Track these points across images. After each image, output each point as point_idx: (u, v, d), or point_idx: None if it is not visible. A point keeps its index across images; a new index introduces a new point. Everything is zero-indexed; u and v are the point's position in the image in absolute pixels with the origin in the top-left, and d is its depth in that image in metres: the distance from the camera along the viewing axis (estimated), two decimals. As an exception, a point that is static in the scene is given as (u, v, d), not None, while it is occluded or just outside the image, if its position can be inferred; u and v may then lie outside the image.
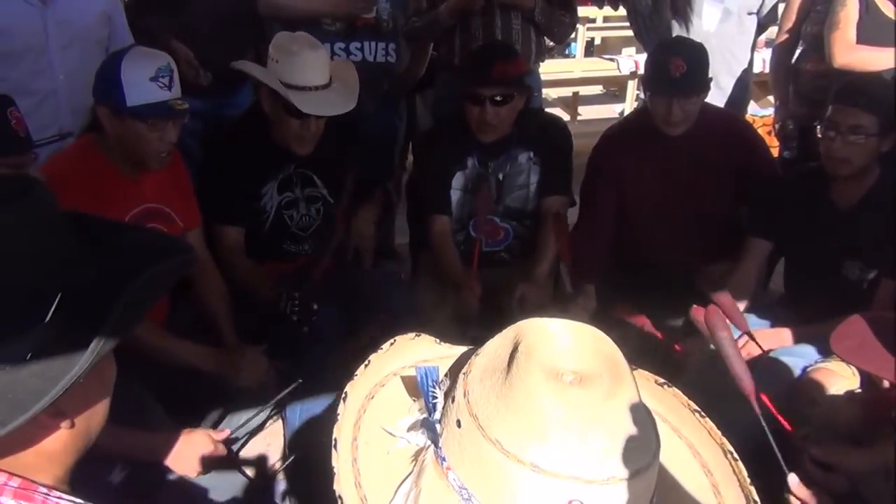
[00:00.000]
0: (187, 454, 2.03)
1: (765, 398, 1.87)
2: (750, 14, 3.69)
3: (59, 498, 0.94)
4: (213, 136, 2.93)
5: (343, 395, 1.00)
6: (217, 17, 3.13)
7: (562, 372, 0.86)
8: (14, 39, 2.58)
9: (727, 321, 2.04)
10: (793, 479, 1.64)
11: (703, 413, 1.04)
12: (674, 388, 1.08)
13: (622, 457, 0.83)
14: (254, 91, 3.16)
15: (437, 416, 0.94)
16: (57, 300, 0.88)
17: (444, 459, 0.90)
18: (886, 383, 1.08)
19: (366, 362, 1.06)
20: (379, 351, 1.08)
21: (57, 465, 0.98)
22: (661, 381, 1.09)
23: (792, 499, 1.68)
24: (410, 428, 0.98)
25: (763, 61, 4.90)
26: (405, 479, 0.93)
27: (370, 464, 0.97)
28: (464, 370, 0.93)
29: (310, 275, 2.80)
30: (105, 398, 1.04)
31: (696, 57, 2.76)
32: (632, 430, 0.85)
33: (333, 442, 0.96)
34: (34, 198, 0.93)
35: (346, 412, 1.00)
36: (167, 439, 2.02)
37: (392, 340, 1.10)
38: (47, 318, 0.88)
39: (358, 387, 1.04)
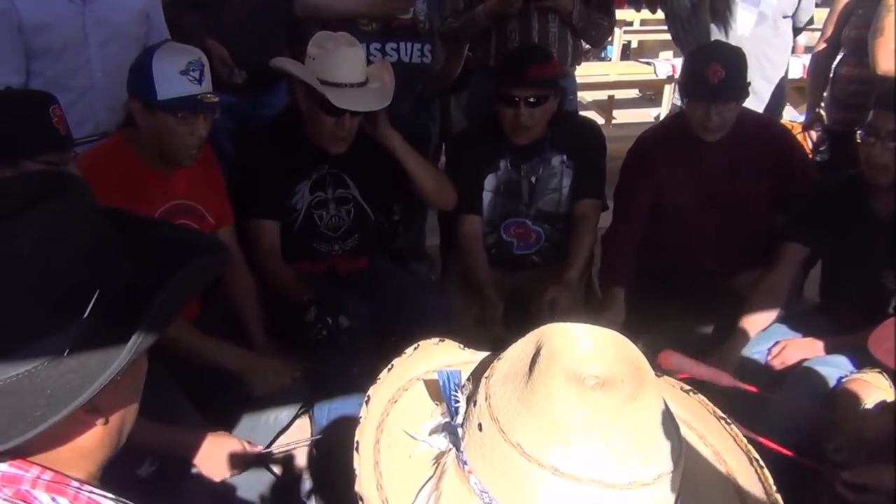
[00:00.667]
0: (217, 456, 2.04)
1: (766, 441, 1.84)
2: (785, 17, 3.64)
3: (90, 492, 0.95)
4: (247, 135, 2.95)
5: (366, 398, 1.00)
6: (253, 16, 3.15)
7: (584, 376, 0.85)
8: (53, 36, 2.62)
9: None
10: None
11: (728, 420, 1.03)
12: (699, 395, 1.06)
13: (645, 461, 0.82)
14: (289, 91, 3.18)
15: (459, 420, 0.94)
16: (96, 296, 0.89)
17: (465, 463, 0.89)
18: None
19: (389, 366, 1.06)
20: (402, 355, 1.08)
21: (90, 461, 0.99)
22: (687, 387, 1.07)
23: None
24: (432, 431, 0.98)
25: (803, 67, 4.84)
26: (426, 482, 0.93)
27: (392, 466, 0.96)
28: (486, 374, 0.92)
29: (341, 293, 2.76)
30: (137, 396, 1.05)
31: (734, 62, 2.73)
32: (654, 434, 0.84)
33: (355, 444, 0.95)
34: (75, 194, 0.94)
35: (369, 415, 1.00)
36: (198, 436, 2.03)
37: (416, 345, 1.10)
38: (86, 314, 0.89)
39: (381, 390, 1.04)
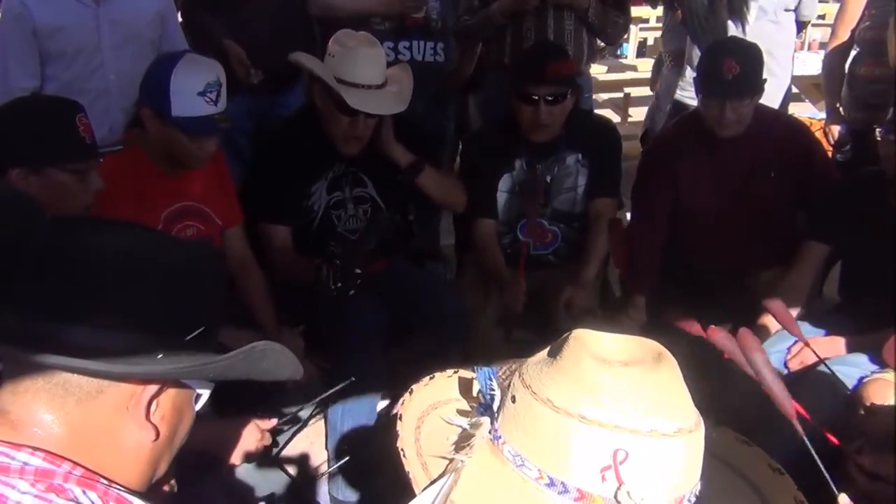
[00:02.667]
0: (233, 441, 2.03)
1: (804, 412, 1.82)
2: (787, 11, 3.61)
3: (118, 490, 0.99)
4: (264, 134, 2.95)
5: (398, 416, 1.06)
6: (270, 16, 3.16)
7: (609, 359, 0.91)
8: (67, 39, 2.63)
9: (759, 342, 1.99)
10: (844, 501, 1.60)
11: (749, 442, 1.10)
12: (724, 426, 1.12)
13: (665, 416, 0.87)
14: (305, 91, 3.18)
15: (495, 406, 0.98)
16: (200, 330, 1.06)
17: (499, 438, 0.95)
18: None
19: (410, 389, 1.12)
20: (420, 383, 1.14)
21: (128, 472, 1.04)
22: (743, 438, 1.13)
23: None
24: (469, 416, 1.03)
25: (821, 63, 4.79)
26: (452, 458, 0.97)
27: (431, 444, 1.03)
28: (519, 368, 0.98)
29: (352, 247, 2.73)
30: (182, 437, 1.13)
31: (749, 57, 2.70)
32: (673, 397, 0.90)
33: (401, 452, 1.01)
34: (219, 255, 1.22)
35: (405, 428, 1.05)
36: (216, 426, 2.03)
37: (431, 376, 1.15)
38: (187, 338, 1.04)
39: (410, 411, 1.09)
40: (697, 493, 0.91)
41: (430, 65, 3.37)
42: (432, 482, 0.93)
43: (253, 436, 2.03)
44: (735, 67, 2.63)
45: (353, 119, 2.59)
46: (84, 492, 0.96)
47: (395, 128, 2.73)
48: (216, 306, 1.15)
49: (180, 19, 3.21)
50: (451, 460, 0.95)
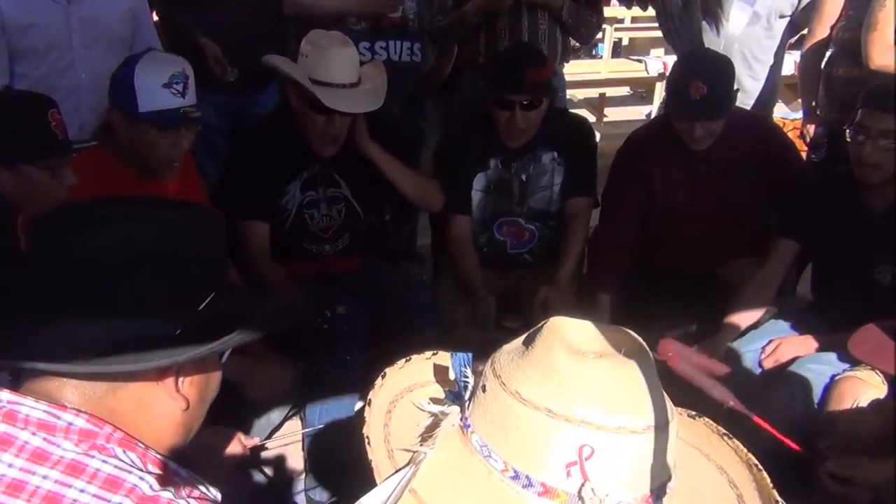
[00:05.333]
0: (216, 451, 2.02)
1: (759, 420, 1.85)
2: (782, 17, 3.63)
3: (155, 454, 1.05)
4: (239, 133, 2.94)
5: (367, 401, 1.05)
6: (245, 15, 3.14)
7: (583, 350, 0.91)
8: (38, 37, 2.60)
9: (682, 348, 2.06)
10: None
11: (730, 435, 1.09)
12: (704, 418, 1.13)
13: (634, 412, 0.87)
14: (280, 90, 3.16)
15: (467, 395, 0.98)
16: (211, 297, 1.08)
17: (468, 427, 0.94)
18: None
19: (382, 374, 1.11)
20: (394, 366, 1.13)
21: (162, 440, 1.09)
22: (693, 413, 1.14)
23: None
24: (436, 403, 1.04)
25: (794, 63, 4.84)
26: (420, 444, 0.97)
27: (400, 431, 1.03)
28: (492, 357, 0.98)
29: (337, 286, 2.76)
30: (211, 396, 1.18)
31: (717, 77, 2.67)
32: (644, 392, 0.89)
33: (367, 401, 1.03)
34: (220, 220, 1.19)
35: (373, 414, 1.04)
36: (201, 434, 2.02)
37: (408, 358, 1.14)
38: (201, 307, 1.07)
39: (380, 396, 1.08)
40: (668, 489, 0.91)
41: (406, 65, 3.37)
42: (396, 471, 0.93)
43: (234, 448, 2.02)
44: (702, 88, 2.60)
45: (328, 119, 2.59)
46: (125, 452, 1.01)
47: (371, 127, 2.73)
48: (220, 266, 1.19)
49: (155, 18, 3.18)
50: (415, 452, 0.95)
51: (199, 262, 1.10)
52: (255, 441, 2.13)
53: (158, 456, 1.05)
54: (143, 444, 1.04)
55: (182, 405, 1.09)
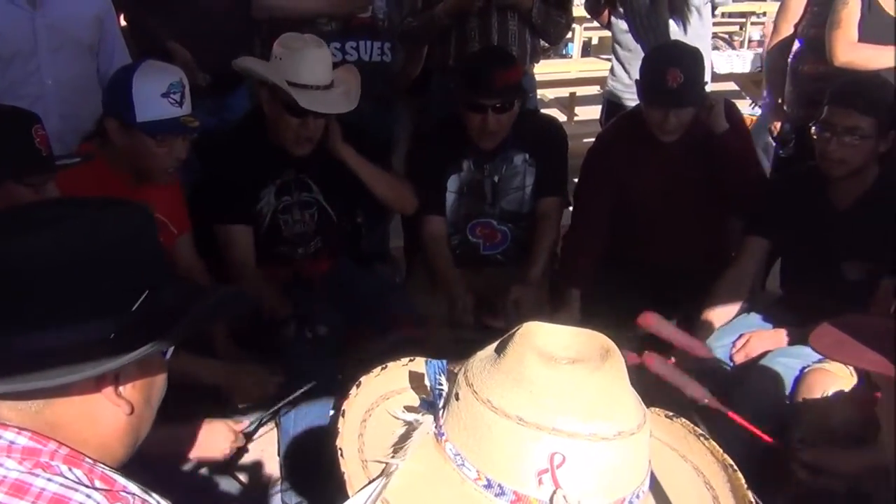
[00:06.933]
0: (210, 441, 2.02)
1: (734, 416, 1.89)
2: (706, 3, 3.69)
3: (103, 468, 1.02)
4: (211, 140, 2.91)
5: (342, 412, 1.04)
6: (215, 18, 3.12)
7: (555, 356, 0.91)
8: (3, 44, 2.57)
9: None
10: None
11: (707, 436, 1.09)
12: (681, 418, 1.13)
13: (606, 419, 0.87)
14: (250, 94, 3.15)
15: (441, 402, 0.98)
16: (144, 295, 1.06)
17: (442, 434, 0.94)
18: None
19: (357, 382, 1.09)
20: (370, 374, 1.11)
21: (110, 450, 1.07)
22: (670, 413, 1.13)
23: None
24: (413, 411, 1.02)
25: (760, 59, 4.90)
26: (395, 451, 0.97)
27: (375, 440, 1.02)
28: (465, 364, 0.98)
29: (313, 302, 2.74)
30: (158, 398, 1.15)
31: (692, 66, 2.72)
32: (617, 399, 0.89)
33: (341, 412, 1.01)
34: (148, 213, 1.16)
35: (347, 425, 1.03)
36: (190, 430, 2.02)
37: (384, 366, 1.13)
38: (134, 307, 1.05)
39: (355, 406, 1.07)
40: (641, 494, 0.91)
41: (377, 65, 3.36)
42: (368, 482, 0.92)
43: (224, 437, 2.02)
44: (679, 77, 2.64)
45: (303, 121, 2.58)
46: (70, 469, 0.98)
47: (344, 130, 2.72)
48: (156, 263, 1.15)
49: (123, 23, 3.15)
50: (387, 464, 0.94)
51: (128, 261, 1.07)
52: (244, 424, 2.15)
53: (106, 471, 1.02)
54: (90, 459, 1.02)
55: (126, 410, 1.06)
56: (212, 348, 2.50)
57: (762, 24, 5.49)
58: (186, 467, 2.06)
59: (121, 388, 1.05)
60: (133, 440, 1.11)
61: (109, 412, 1.06)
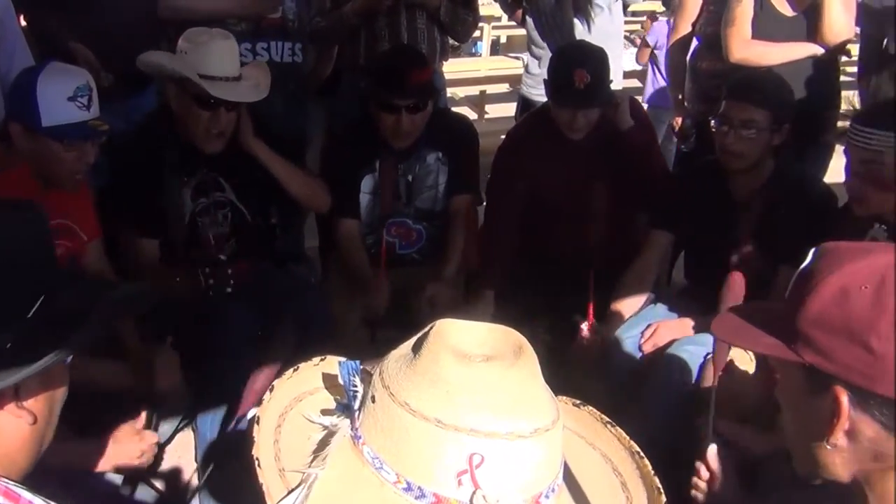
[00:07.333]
0: (118, 449, 1.98)
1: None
2: (616, 1, 3.78)
3: (6, 483, 0.99)
4: (118, 144, 2.84)
5: (256, 419, 1.02)
6: (119, 17, 3.04)
7: (470, 354, 0.91)
8: None
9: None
10: (712, 450, 1.74)
11: (613, 423, 1.12)
12: (588, 406, 1.14)
13: (522, 416, 0.88)
14: (157, 91, 3.08)
15: (356, 404, 0.97)
16: (40, 301, 1.02)
17: (359, 438, 0.93)
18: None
19: (270, 387, 1.08)
20: (282, 377, 1.10)
21: (15, 457, 1.05)
22: (577, 402, 1.15)
23: (695, 479, 1.76)
24: (329, 414, 1.01)
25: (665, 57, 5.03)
26: (313, 460, 0.96)
27: (291, 446, 1.00)
28: (380, 365, 0.97)
29: (232, 298, 2.71)
30: (59, 406, 1.12)
31: (599, 66, 2.77)
32: (531, 396, 0.90)
33: (256, 419, 1.00)
34: (38, 214, 1.11)
35: (262, 433, 1.01)
36: (96, 441, 1.97)
37: (295, 367, 1.11)
38: (30, 314, 1.02)
39: (269, 411, 1.05)
40: (556, 487, 0.92)
41: (288, 65, 3.33)
42: (288, 493, 0.91)
43: (130, 440, 1.98)
44: (586, 77, 2.69)
45: (213, 114, 2.55)
46: None
47: (256, 127, 2.70)
48: (51, 265, 1.11)
49: (24, 22, 3.04)
50: (305, 474, 0.93)
51: (20, 265, 1.03)
52: (156, 436, 2.10)
53: (10, 485, 0.99)
54: None
55: (28, 420, 1.03)
56: (121, 352, 2.45)
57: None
58: (100, 477, 2.01)
59: (21, 399, 1.02)
60: (37, 449, 1.09)
61: (11, 424, 1.03)
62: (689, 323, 2.63)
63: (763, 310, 1.13)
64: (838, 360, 0.95)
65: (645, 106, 4.55)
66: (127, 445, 1.99)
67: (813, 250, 1.04)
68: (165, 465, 2.34)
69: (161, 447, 2.34)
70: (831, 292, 0.96)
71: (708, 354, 2.45)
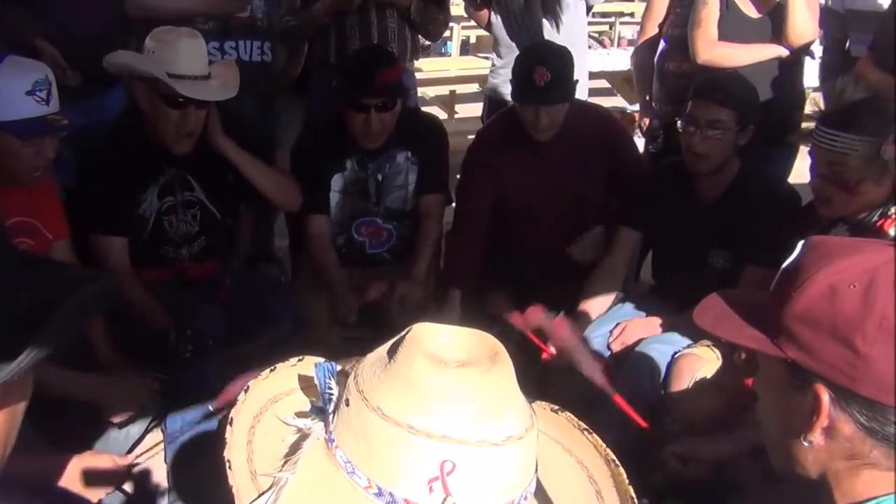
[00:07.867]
0: (89, 476, 1.95)
1: (619, 399, 1.97)
2: (580, 1, 3.81)
3: None
4: (87, 143, 2.81)
5: (230, 420, 1.00)
6: (85, 15, 3.01)
7: (444, 359, 0.91)
8: None
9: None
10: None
11: (590, 430, 1.11)
12: (566, 412, 1.13)
13: (495, 424, 0.87)
14: (126, 91, 3.05)
15: (331, 407, 0.96)
16: None
17: (333, 441, 0.93)
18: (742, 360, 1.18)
19: (245, 387, 1.06)
20: (259, 377, 1.09)
21: None
22: (556, 407, 1.14)
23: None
24: (303, 417, 1.01)
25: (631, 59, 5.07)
26: (285, 462, 0.95)
27: (264, 448, 0.99)
28: (356, 366, 0.96)
29: (195, 304, 2.68)
30: (20, 414, 1.06)
31: (559, 64, 2.80)
32: (505, 403, 0.90)
33: (229, 420, 0.98)
34: None
35: (235, 434, 1.00)
36: (62, 461, 1.93)
37: (272, 367, 1.10)
38: None
39: (243, 412, 1.04)
40: (528, 495, 0.92)
41: (257, 64, 3.32)
42: (259, 495, 0.91)
43: (105, 472, 1.95)
44: (546, 75, 2.72)
45: (182, 113, 2.53)
46: None
47: (225, 126, 2.68)
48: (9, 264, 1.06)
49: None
50: (276, 478, 0.92)
51: None
52: (130, 459, 2.07)
53: None
54: None
55: None
56: (93, 358, 2.43)
57: (633, 24, 5.69)
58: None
59: None
60: (1, 453, 1.05)
61: None
62: (657, 322, 2.66)
63: (747, 300, 1.11)
64: (822, 359, 0.93)
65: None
66: (99, 472, 1.97)
67: (801, 243, 1.02)
68: (135, 469, 2.31)
69: (133, 447, 2.32)
70: (819, 289, 0.94)
71: (676, 353, 2.49)
